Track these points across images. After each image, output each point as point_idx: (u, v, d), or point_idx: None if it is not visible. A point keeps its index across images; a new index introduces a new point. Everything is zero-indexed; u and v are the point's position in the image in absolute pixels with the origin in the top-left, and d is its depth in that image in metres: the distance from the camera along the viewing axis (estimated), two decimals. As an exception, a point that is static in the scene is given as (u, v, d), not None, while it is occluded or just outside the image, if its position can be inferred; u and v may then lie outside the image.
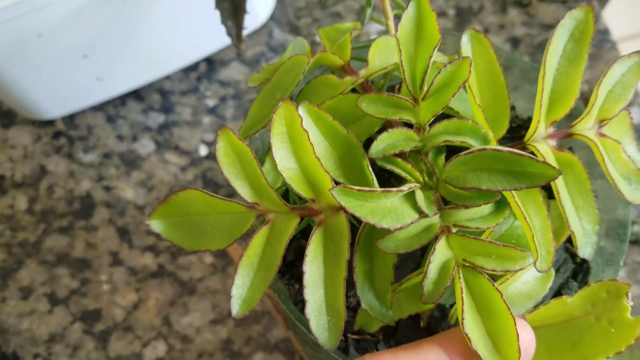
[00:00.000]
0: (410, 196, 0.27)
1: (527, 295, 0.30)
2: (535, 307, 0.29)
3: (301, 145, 0.27)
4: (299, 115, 0.26)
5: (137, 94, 0.60)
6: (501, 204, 0.28)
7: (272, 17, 0.64)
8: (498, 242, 0.26)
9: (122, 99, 0.60)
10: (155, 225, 0.29)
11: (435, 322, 0.31)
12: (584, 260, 0.34)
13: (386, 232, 0.27)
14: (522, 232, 0.30)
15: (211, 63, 0.62)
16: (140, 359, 0.51)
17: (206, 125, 0.59)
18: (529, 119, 0.38)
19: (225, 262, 0.54)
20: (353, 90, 0.33)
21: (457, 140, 0.27)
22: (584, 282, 0.33)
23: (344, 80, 0.31)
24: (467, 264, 0.26)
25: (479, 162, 0.26)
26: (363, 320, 0.31)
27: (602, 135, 0.30)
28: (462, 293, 0.25)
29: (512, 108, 0.38)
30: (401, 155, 0.29)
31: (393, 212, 0.26)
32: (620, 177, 0.29)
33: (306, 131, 0.26)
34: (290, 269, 0.35)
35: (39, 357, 0.50)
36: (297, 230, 0.32)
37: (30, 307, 0.52)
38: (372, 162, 0.29)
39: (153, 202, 0.56)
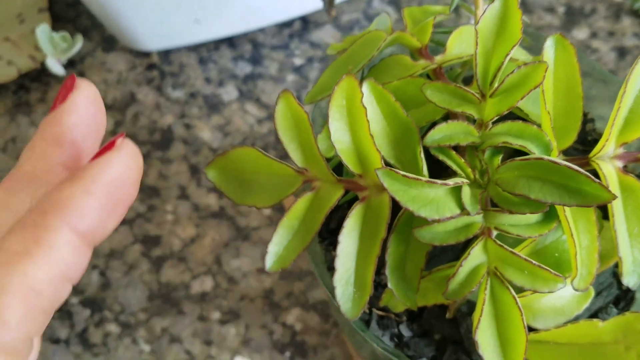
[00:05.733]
0: (457, 191, 0.27)
1: (560, 310, 0.29)
2: (566, 324, 0.29)
3: (358, 121, 0.27)
4: (361, 91, 0.27)
5: (230, 42, 0.62)
6: (549, 216, 0.27)
7: (375, -14, 0.64)
8: (534, 262, 0.26)
9: (216, 44, 0.62)
10: (211, 175, 0.31)
11: (462, 316, 0.31)
12: (629, 289, 0.33)
13: (426, 221, 0.28)
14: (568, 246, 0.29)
15: (306, 22, 0.63)
16: (187, 288, 0.54)
17: (289, 83, 0.60)
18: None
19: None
20: (427, 76, 0.33)
21: (516, 143, 0.27)
22: (625, 311, 0.32)
23: (417, 63, 0.31)
24: (498, 274, 0.26)
25: (534, 170, 0.26)
26: (389, 299, 0.31)
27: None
28: (483, 303, 0.25)
29: (591, 121, 0.37)
30: (458, 149, 0.28)
31: (434, 203, 0.26)
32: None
33: (365, 108, 0.27)
34: (332, 236, 0.36)
35: (97, 268, 0.54)
36: (341, 201, 0.32)
37: (99, 222, 0.56)
38: (429, 152, 0.29)
39: (227, 146, 0.59)
